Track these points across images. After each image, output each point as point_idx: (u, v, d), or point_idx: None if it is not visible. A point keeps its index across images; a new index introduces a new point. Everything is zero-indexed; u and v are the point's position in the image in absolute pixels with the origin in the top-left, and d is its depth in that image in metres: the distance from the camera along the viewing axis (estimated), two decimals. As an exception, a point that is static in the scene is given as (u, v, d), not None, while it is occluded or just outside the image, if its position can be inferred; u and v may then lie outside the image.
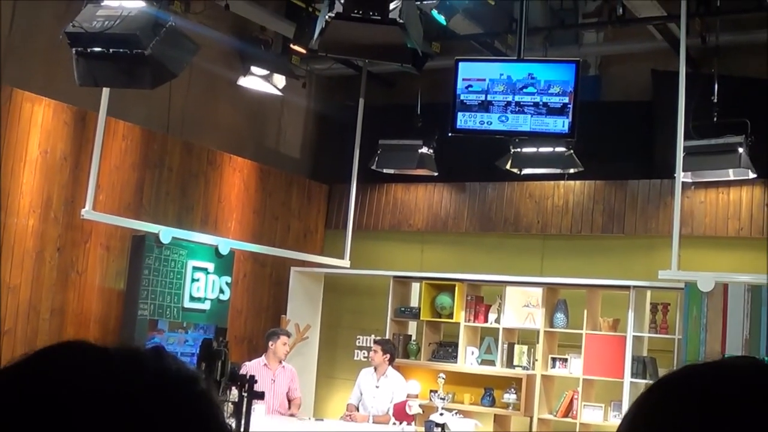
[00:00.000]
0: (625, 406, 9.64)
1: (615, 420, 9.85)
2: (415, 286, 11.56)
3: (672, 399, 0.97)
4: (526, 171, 10.67)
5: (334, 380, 12.03)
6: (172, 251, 10.12)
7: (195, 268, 10.35)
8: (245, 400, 6.17)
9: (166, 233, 9.88)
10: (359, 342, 11.97)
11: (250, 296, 11.49)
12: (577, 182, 11.09)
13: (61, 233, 9.36)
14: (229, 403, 6.06)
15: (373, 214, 12.46)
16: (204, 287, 10.43)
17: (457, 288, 10.89)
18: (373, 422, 9.50)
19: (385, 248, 12.32)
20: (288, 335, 10.08)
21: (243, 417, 5.97)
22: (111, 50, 6.83)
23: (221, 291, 10.63)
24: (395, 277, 11.37)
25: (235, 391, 6.37)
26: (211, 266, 10.53)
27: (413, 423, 9.34)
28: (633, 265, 10.28)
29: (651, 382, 1.02)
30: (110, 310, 9.87)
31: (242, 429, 5.87)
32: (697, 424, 0.91)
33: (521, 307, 10.64)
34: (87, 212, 8.98)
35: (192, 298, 10.32)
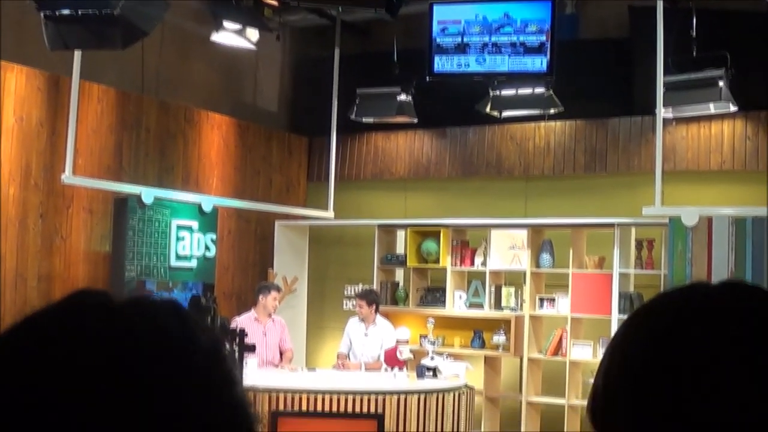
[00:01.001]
0: None
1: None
2: (401, 234, 11.48)
3: (645, 323, 0.95)
4: (507, 113, 10.58)
5: (324, 330, 12.01)
6: (155, 211, 10.07)
7: (179, 227, 10.33)
8: (237, 353, 6.12)
9: (147, 194, 9.84)
10: (347, 292, 11.91)
11: (236, 252, 11.44)
12: (558, 123, 11.00)
13: (42, 200, 9.28)
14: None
15: (355, 164, 12.34)
16: (189, 245, 10.42)
17: (442, 233, 10.82)
18: (365, 370, 9.53)
19: (368, 198, 12.24)
20: (278, 290, 10.06)
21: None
22: (80, 12, 6.69)
23: (207, 248, 10.63)
24: (380, 225, 11.35)
25: (226, 345, 6.32)
26: (195, 224, 10.50)
27: (405, 368, 9.34)
28: (617, 202, 10.24)
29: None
30: (97, 273, 9.83)
31: None
32: (668, 343, 0.90)
33: (507, 249, 10.59)
34: (67, 177, 8.93)
35: (178, 257, 10.31)
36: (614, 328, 9.59)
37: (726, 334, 0.90)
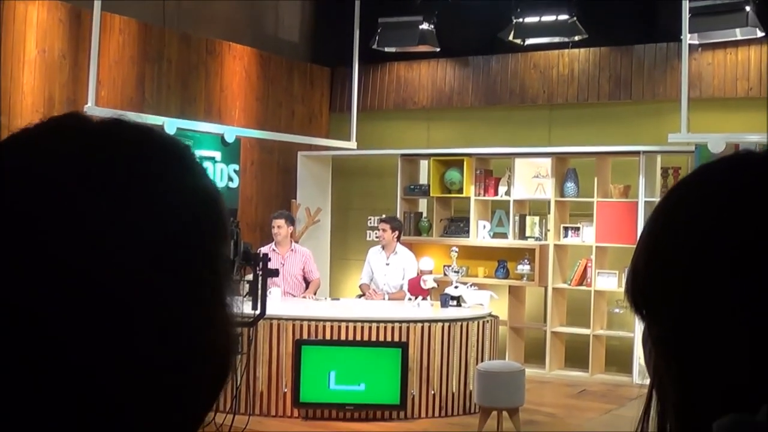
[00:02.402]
0: None
1: None
2: (423, 164, 11.41)
3: (688, 195, 0.84)
4: (530, 41, 10.52)
5: (348, 262, 11.95)
6: None
7: (202, 158, 10.08)
8: (260, 278, 6.00)
9: (170, 124, 9.65)
10: (371, 222, 11.88)
11: (259, 184, 11.39)
12: (582, 50, 10.82)
13: None
14: (245, 282, 5.93)
15: (377, 94, 12.24)
16: (212, 176, 10.19)
17: (465, 163, 10.73)
18: (389, 299, 9.49)
19: (391, 128, 12.14)
20: (284, 217, 9.77)
21: (260, 295, 5.86)
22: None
23: (230, 179, 10.60)
24: (403, 155, 11.21)
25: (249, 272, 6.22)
26: (218, 155, 10.42)
27: (428, 297, 9.26)
28: (642, 130, 10.10)
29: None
30: None
31: (259, 307, 5.81)
32: (715, 214, 0.80)
33: (531, 178, 10.52)
34: (90, 108, 8.73)
35: None
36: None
37: None
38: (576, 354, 10.22)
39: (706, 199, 0.82)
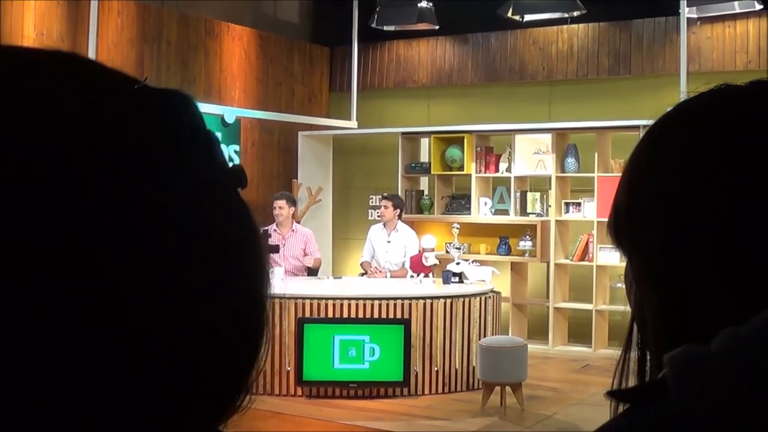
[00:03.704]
0: None
1: None
2: (424, 142, 11.34)
3: (673, 128, 0.85)
4: (529, 17, 10.41)
5: (350, 241, 11.92)
6: None
7: None
8: None
9: None
10: (372, 201, 11.85)
11: (260, 164, 11.32)
12: (581, 25, 10.74)
13: None
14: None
15: (377, 73, 12.19)
16: None
17: (466, 140, 10.64)
18: (390, 277, 9.44)
19: (391, 107, 12.08)
20: (285, 198, 9.70)
21: None
22: None
23: (230, 160, 10.41)
24: (404, 133, 11.13)
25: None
26: (218, 136, 10.23)
27: (431, 274, 9.24)
28: (641, 105, 10.00)
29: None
30: None
31: None
32: (702, 145, 0.80)
33: (531, 154, 10.45)
34: None
35: None
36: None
37: None
38: (579, 329, 10.19)
39: (692, 131, 0.81)
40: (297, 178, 11.54)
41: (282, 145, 11.76)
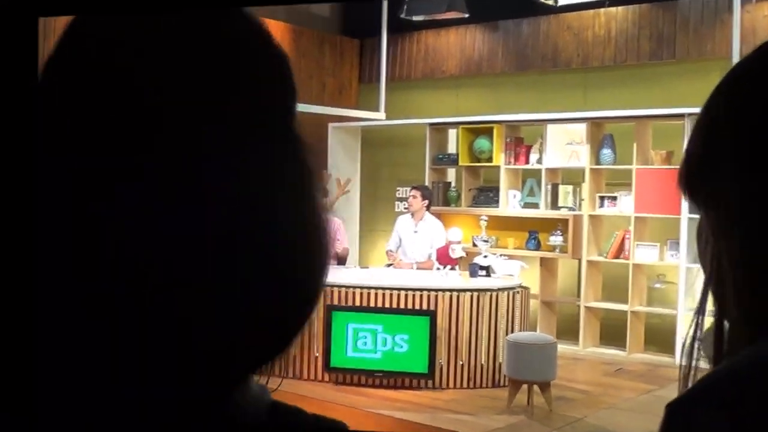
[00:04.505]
0: (683, 244, 8.51)
1: (672, 259, 8.64)
2: (452, 133, 10.51)
3: (750, 74, 0.79)
4: (563, 1, 9.48)
5: (377, 233, 11.18)
6: None
7: None
8: None
9: None
10: (399, 193, 11.09)
11: None
12: (620, 8, 9.55)
13: None
14: None
15: (406, 63, 11.45)
16: None
17: (495, 130, 9.76)
18: (417, 269, 8.71)
19: (420, 97, 11.31)
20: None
21: None
22: None
23: None
24: (431, 124, 10.32)
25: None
26: None
27: (457, 267, 8.51)
28: (686, 92, 8.62)
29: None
30: None
31: None
32: None
33: (564, 145, 9.34)
34: None
35: None
36: (684, 229, 8.01)
37: None
38: (612, 331, 9.08)
39: None
40: (326, 169, 10.78)
41: (312, 136, 10.36)
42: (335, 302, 7.54)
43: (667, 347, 8.58)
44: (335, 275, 8.02)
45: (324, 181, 10.06)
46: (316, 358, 7.56)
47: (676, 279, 8.50)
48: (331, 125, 10.92)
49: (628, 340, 8.76)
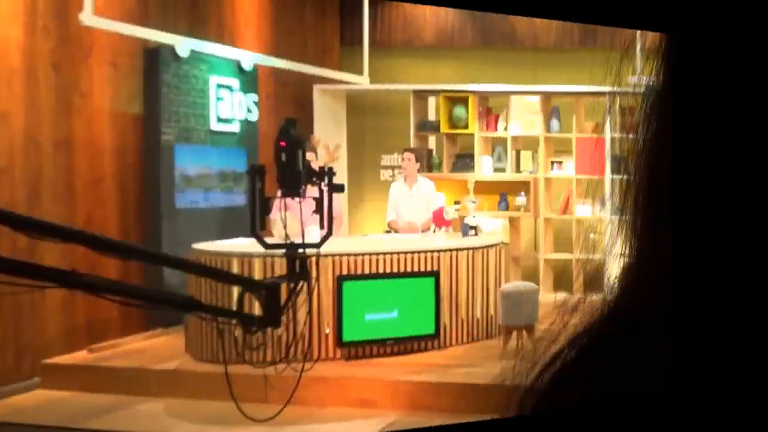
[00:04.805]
0: (608, 201, 9.66)
1: (600, 214, 9.92)
2: (431, 101, 11.14)
3: None
4: None
5: (364, 203, 11.70)
6: (191, 66, 8.48)
7: (219, 86, 8.91)
8: (326, 193, 5.45)
9: (182, 45, 8.21)
10: (384, 162, 11.62)
11: (276, 119, 10.27)
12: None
13: (54, 47, 7.27)
14: (311, 198, 5.39)
15: (386, 29, 11.74)
16: (230, 106, 9.04)
17: (470, 99, 10.52)
18: (422, 231, 9.09)
19: (399, 64, 11.71)
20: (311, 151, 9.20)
21: (326, 213, 5.37)
22: None
23: (249, 111, 9.45)
24: (415, 91, 10.80)
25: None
26: (235, 83, 9.18)
27: (450, 228, 9.04)
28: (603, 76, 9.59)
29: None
30: (126, 138, 8.13)
31: (326, 225, 5.33)
32: None
33: (524, 115, 10.48)
34: (87, 17, 6.90)
35: (219, 120, 8.91)
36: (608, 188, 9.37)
37: None
38: (563, 278, 10.39)
39: None
40: (314, 133, 10.72)
41: (297, 98, 10.93)
42: (345, 272, 7.35)
43: (598, 288, 9.78)
44: (338, 245, 7.90)
45: (315, 145, 10.47)
46: (327, 335, 7.31)
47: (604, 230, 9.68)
48: (316, 87, 10.89)
49: (574, 284, 9.82)
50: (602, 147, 9.28)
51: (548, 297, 9.80)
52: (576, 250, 10.04)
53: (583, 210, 10.18)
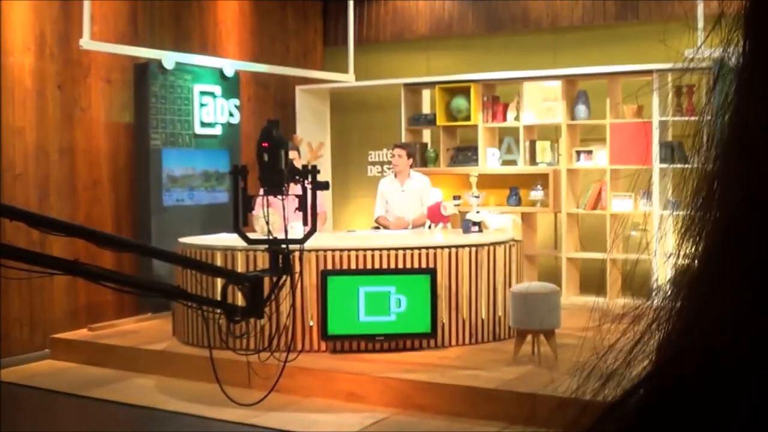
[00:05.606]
0: (656, 193, 9.03)
1: (646, 208, 9.04)
2: (425, 94, 10.77)
3: None
4: None
5: (350, 200, 11.41)
6: (177, 77, 9.47)
7: (202, 93, 9.74)
8: (310, 192, 5.44)
9: (168, 58, 9.26)
10: (371, 157, 11.24)
11: (257, 120, 10.50)
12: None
13: (59, 70, 8.72)
14: (293, 197, 5.39)
15: (374, 26, 11.47)
16: (213, 111, 9.83)
17: (472, 89, 10.00)
18: (413, 227, 8.86)
19: (388, 60, 11.38)
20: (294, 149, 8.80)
21: (309, 210, 5.41)
22: None
23: (230, 114, 10.05)
24: (406, 84, 10.44)
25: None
26: (218, 89, 9.95)
27: (449, 224, 8.75)
28: (652, 52, 8.98)
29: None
30: (119, 144, 9.33)
31: (309, 222, 5.42)
32: None
33: (540, 102, 9.80)
34: (86, 42, 8.29)
35: (203, 124, 9.74)
36: (656, 178, 8.65)
37: None
38: (591, 278, 9.51)
39: None
40: (296, 133, 10.85)
41: (279, 100, 11.31)
42: (330, 267, 7.35)
43: (644, 292, 9.17)
44: (325, 240, 7.86)
45: (297, 144, 10.23)
46: (311, 327, 7.38)
47: (650, 227, 9.10)
48: (298, 88, 10.93)
49: (609, 287, 9.18)
50: (649, 132, 8.83)
51: (574, 300, 9.24)
52: (611, 250, 9.28)
53: (621, 204, 9.14)
